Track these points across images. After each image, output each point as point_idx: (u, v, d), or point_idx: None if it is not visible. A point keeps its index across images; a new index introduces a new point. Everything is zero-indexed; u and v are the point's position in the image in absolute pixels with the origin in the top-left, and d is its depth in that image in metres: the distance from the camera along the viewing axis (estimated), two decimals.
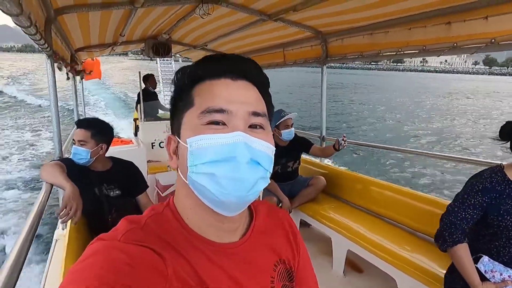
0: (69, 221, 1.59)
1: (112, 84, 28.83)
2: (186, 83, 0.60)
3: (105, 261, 0.47)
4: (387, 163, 10.15)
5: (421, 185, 8.38)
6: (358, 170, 3.88)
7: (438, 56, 2.18)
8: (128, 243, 0.51)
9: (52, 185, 1.69)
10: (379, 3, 2.23)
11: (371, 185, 2.92)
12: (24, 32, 1.36)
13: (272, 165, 0.59)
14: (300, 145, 3.21)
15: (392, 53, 2.50)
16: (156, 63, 10.84)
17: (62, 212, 1.51)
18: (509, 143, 1.50)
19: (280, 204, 2.93)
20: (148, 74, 6.16)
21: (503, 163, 1.58)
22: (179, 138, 0.59)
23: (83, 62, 5.37)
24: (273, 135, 2.69)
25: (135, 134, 5.69)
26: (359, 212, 2.91)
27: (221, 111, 0.55)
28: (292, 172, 3.25)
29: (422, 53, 2.29)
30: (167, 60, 10.74)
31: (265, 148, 0.57)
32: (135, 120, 6.07)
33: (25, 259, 1.10)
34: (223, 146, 0.52)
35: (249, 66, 0.61)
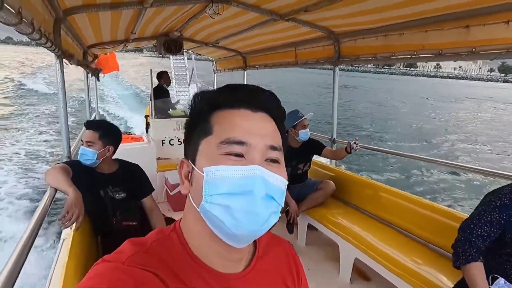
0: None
1: (128, 80, 29.16)
2: (204, 109, 0.59)
3: (109, 282, 0.47)
4: (413, 172, 9.75)
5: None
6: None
7: (455, 61, 2.08)
8: (133, 267, 0.51)
9: (56, 190, 1.70)
10: (394, 5, 2.15)
11: (382, 192, 2.84)
12: (29, 38, 1.35)
13: (284, 199, 0.58)
14: (313, 147, 3.16)
15: (407, 56, 2.41)
16: (170, 59, 10.86)
17: (65, 218, 1.51)
18: None
19: (287, 208, 2.89)
20: (162, 71, 6.17)
21: None
22: (194, 164, 0.58)
23: (97, 57, 5.41)
24: (288, 135, 2.65)
25: (147, 131, 5.73)
26: (368, 218, 2.84)
27: (240, 143, 0.54)
28: (302, 175, 3.21)
29: (438, 57, 2.19)
30: (180, 57, 10.75)
31: (280, 183, 0.56)
32: (146, 117, 6.10)
33: (24, 261, 1.11)
34: (240, 179, 0.52)
35: (269, 98, 0.61)
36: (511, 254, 1.41)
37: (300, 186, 3.15)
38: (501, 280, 1.40)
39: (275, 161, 0.57)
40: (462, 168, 2.67)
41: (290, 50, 3.89)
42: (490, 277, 1.42)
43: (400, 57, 2.48)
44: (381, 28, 2.57)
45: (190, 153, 0.59)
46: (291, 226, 3.03)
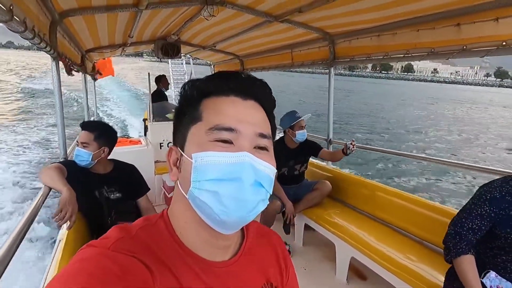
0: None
1: (128, 83, 29.36)
2: (194, 96, 0.59)
3: (94, 268, 0.46)
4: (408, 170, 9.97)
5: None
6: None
7: (447, 59, 2.10)
8: (118, 252, 0.50)
9: (50, 188, 1.71)
10: (387, 4, 2.17)
11: (378, 191, 2.84)
12: (21, 37, 1.37)
13: (272, 187, 0.59)
14: (310, 148, 3.16)
15: (400, 55, 2.43)
16: (168, 63, 10.92)
17: (57, 216, 1.52)
18: None
19: (284, 208, 2.89)
20: (160, 75, 6.20)
21: None
22: (183, 151, 0.58)
23: (95, 62, 5.45)
24: (285, 135, 2.66)
25: (145, 134, 5.75)
26: (364, 218, 2.84)
27: (229, 129, 0.54)
28: (299, 176, 3.21)
29: (430, 55, 2.21)
30: (178, 61, 10.81)
31: (269, 171, 0.57)
32: (144, 120, 6.13)
33: (11, 258, 1.11)
34: (229, 165, 0.52)
35: (259, 86, 0.61)
36: (502, 248, 1.41)
37: (296, 187, 3.16)
38: (492, 274, 1.40)
39: (263, 148, 0.58)
40: (457, 166, 2.66)
41: (286, 52, 3.91)
42: (482, 272, 1.43)
43: (393, 56, 2.50)
44: (374, 28, 2.60)
45: (179, 140, 0.60)
46: (287, 227, 3.03)
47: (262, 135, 0.57)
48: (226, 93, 0.58)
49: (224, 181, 0.52)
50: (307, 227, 3.05)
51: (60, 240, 2.31)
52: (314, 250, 2.99)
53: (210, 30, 3.78)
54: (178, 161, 0.59)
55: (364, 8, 2.31)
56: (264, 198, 0.56)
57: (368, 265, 2.29)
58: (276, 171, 0.59)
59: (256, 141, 0.56)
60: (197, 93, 0.59)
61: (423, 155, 2.94)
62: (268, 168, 0.56)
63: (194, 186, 0.53)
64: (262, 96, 0.61)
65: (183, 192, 0.56)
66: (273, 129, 0.64)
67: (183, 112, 0.60)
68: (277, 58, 4.21)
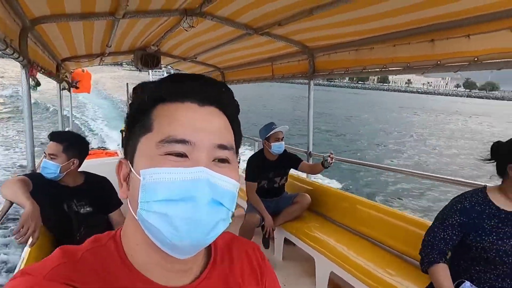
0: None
1: (107, 93, 28.92)
2: (146, 102, 0.52)
3: None
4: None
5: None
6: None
7: (422, 73, 2.14)
8: (54, 281, 0.44)
9: (11, 203, 1.60)
10: (364, 18, 2.21)
11: (358, 204, 2.83)
12: None
13: (235, 203, 0.53)
14: (289, 160, 3.14)
15: (377, 70, 2.48)
16: (149, 74, 10.81)
17: (18, 233, 1.41)
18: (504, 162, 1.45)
19: (263, 222, 2.84)
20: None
21: (488, 184, 1.55)
22: (132, 165, 0.51)
23: (72, 72, 5.31)
24: (263, 147, 2.63)
25: (122, 146, 5.61)
26: (344, 231, 2.82)
27: (183, 141, 0.48)
28: (279, 189, 3.18)
29: (406, 70, 2.26)
30: (159, 71, 10.71)
31: (230, 186, 0.51)
32: (121, 131, 5.99)
33: None
34: (182, 183, 0.46)
35: (219, 90, 0.54)
36: (474, 258, 1.44)
37: (276, 200, 3.12)
38: (466, 284, 1.41)
39: (224, 160, 0.51)
40: (428, 178, 2.70)
41: (267, 65, 3.94)
42: (456, 283, 1.43)
43: (371, 70, 2.55)
44: (352, 43, 2.64)
45: (130, 152, 0.53)
46: (267, 241, 2.98)
47: (222, 146, 0.51)
48: (180, 99, 0.51)
49: (175, 202, 0.46)
50: (287, 241, 3.00)
51: (24, 258, 2.18)
52: (294, 265, 2.94)
53: (190, 41, 3.76)
54: (128, 177, 0.53)
55: (342, 21, 2.35)
56: (225, 218, 0.50)
57: (348, 280, 2.25)
58: (239, 185, 0.54)
59: (215, 153, 0.50)
60: (148, 98, 0.52)
61: (399, 168, 2.97)
62: (229, 183, 0.50)
63: (142, 208, 0.47)
64: (223, 100, 0.54)
65: (133, 212, 0.50)
66: (238, 138, 0.57)
67: (134, 120, 0.53)
68: (258, 70, 4.23)
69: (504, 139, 1.48)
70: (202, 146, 0.49)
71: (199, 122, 0.50)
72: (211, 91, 0.53)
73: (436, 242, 1.49)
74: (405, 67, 2.24)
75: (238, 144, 0.57)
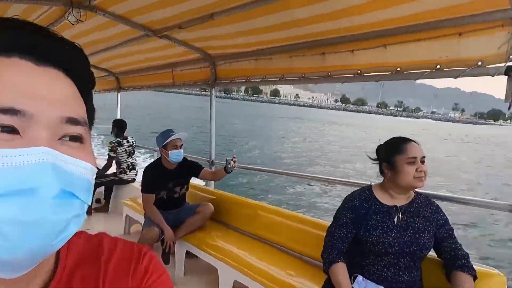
0: None
1: None
2: None
3: None
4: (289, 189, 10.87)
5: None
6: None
7: (316, 84, 2.32)
8: None
9: None
10: (263, 29, 2.29)
11: (259, 210, 2.87)
12: None
13: (92, 194, 0.40)
14: (190, 168, 3.00)
15: (275, 79, 2.59)
16: None
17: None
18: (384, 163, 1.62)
19: (163, 236, 2.64)
20: None
21: (373, 183, 1.71)
22: None
23: None
24: (161, 156, 2.43)
25: None
26: (247, 238, 2.81)
27: (11, 111, 0.34)
28: (179, 199, 3.01)
29: (302, 80, 2.42)
30: None
31: (85, 171, 0.38)
32: None
33: None
34: (14, 171, 0.32)
35: (66, 47, 0.40)
36: (365, 252, 1.55)
37: (177, 211, 2.95)
38: (359, 278, 1.51)
39: (76, 138, 0.39)
40: (320, 180, 2.93)
41: (167, 71, 3.79)
42: (352, 277, 1.53)
43: (270, 79, 2.65)
44: (253, 52, 2.72)
45: None
46: (167, 256, 2.77)
47: (73, 120, 0.38)
48: (4, 52, 0.36)
49: (5, 197, 0.32)
50: (188, 254, 2.84)
51: None
52: (197, 279, 2.80)
53: (79, 39, 3.35)
54: None
55: (242, 31, 2.40)
56: (79, 213, 0.38)
57: (251, 286, 2.23)
58: (96, 170, 0.42)
59: (63, 129, 0.38)
60: None
61: (292, 172, 3.17)
62: (82, 168, 0.38)
63: None
64: (71, 60, 0.41)
65: None
66: (91, 113, 0.45)
67: None
68: (157, 76, 4.03)
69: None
70: (42, 118, 0.35)
71: (37, 85, 0.36)
72: (55, 46, 0.39)
73: (334, 241, 1.56)
74: (300, 77, 2.40)
75: (91, 120, 0.45)
